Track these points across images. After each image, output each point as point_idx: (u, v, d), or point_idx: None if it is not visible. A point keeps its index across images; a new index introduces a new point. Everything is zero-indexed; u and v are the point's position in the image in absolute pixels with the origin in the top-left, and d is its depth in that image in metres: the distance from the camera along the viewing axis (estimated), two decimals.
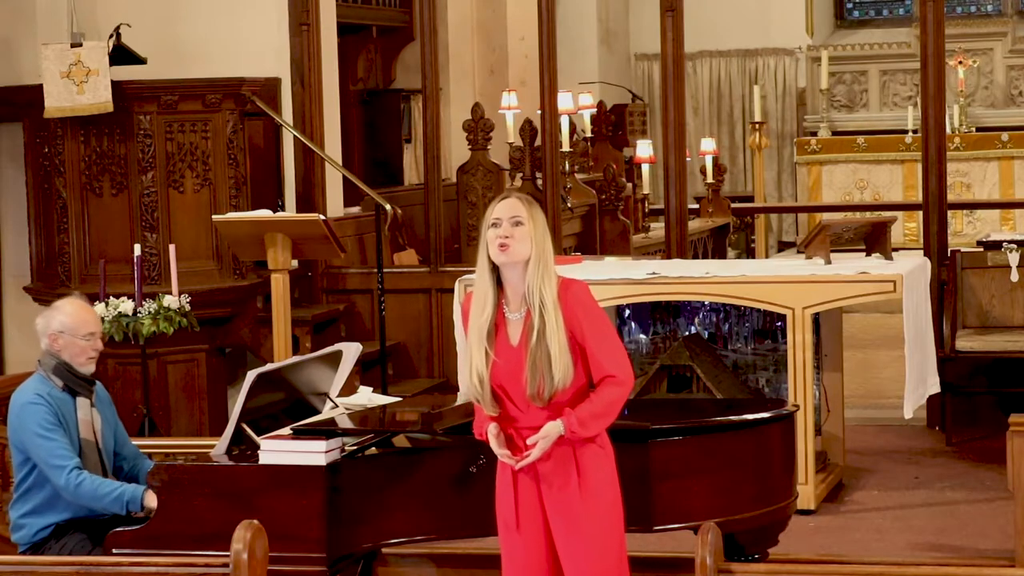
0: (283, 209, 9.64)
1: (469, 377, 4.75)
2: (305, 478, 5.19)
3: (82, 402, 5.68)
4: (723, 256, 12.81)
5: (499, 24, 14.14)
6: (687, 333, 8.17)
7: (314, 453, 5.20)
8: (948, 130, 10.80)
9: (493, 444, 4.75)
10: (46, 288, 8.92)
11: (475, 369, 4.73)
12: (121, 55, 8.81)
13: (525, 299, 4.71)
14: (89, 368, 5.71)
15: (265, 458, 5.28)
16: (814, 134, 16.11)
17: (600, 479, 4.75)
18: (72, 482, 5.50)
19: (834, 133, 16.13)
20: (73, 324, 5.67)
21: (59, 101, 8.43)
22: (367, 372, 9.15)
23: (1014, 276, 9.24)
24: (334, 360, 5.83)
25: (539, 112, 9.99)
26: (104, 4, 9.45)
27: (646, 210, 12.04)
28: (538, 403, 4.69)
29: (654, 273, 7.88)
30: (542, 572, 4.80)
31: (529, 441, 4.70)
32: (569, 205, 10.37)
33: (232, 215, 8.18)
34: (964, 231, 14.67)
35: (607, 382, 4.71)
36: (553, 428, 4.67)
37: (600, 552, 4.74)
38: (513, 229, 4.68)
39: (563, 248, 9.82)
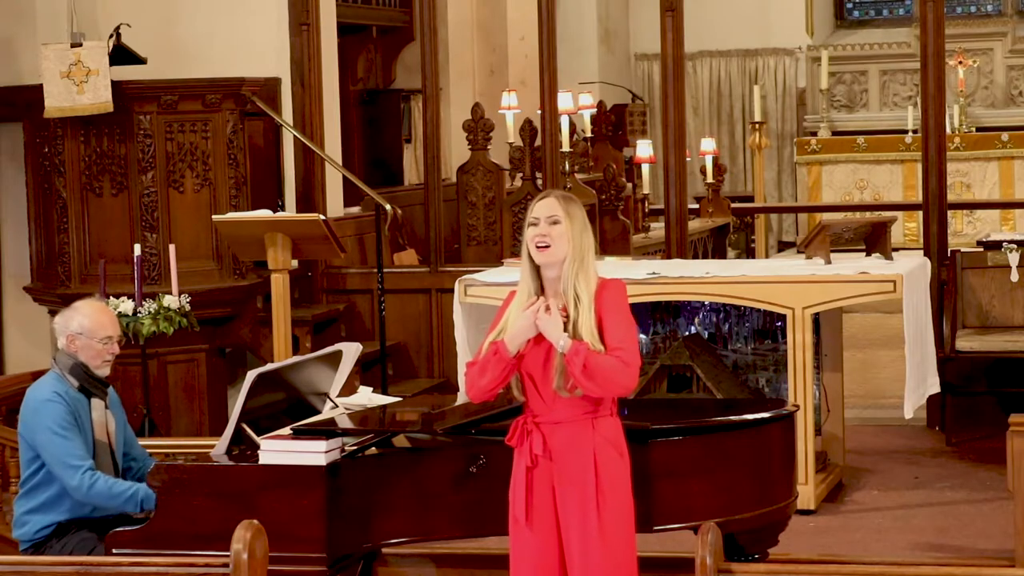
0: (283, 209, 9.64)
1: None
2: (305, 478, 5.19)
3: (97, 403, 5.69)
4: (723, 256, 12.81)
5: (499, 24, 14.15)
6: (687, 333, 8.17)
7: (314, 453, 5.20)
8: (948, 130, 10.80)
9: (528, 313, 4.72)
10: (46, 288, 8.92)
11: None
12: (121, 55, 8.81)
13: (563, 295, 4.77)
14: (105, 371, 5.72)
15: (265, 458, 5.28)
16: (814, 134, 16.12)
17: (616, 484, 4.77)
18: (86, 483, 5.50)
19: (834, 133, 16.14)
20: (91, 327, 5.67)
21: (59, 101, 8.42)
22: (367, 372, 9.15)
23: (1014, 276, 9.24)
24: (334, 360, 5.83)
25: (539, 112, 9.99)
26: (104, 4, 9.45)
27: (646, 210, 12.04)
28: (563, 395, 4.73)
29: (654, 273, 7.88)
30: (552, 570, 4.80)
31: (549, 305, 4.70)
32: None
33: (232, 215, 8.18)
34: (964, 231, 14.67)
35: (614, 354, 4.70)
36: (560, 334, 4.68)
37: (611, 557, 4.74)
38: (550, 228, 4.74)
39: None
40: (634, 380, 4.75)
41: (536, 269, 4.80)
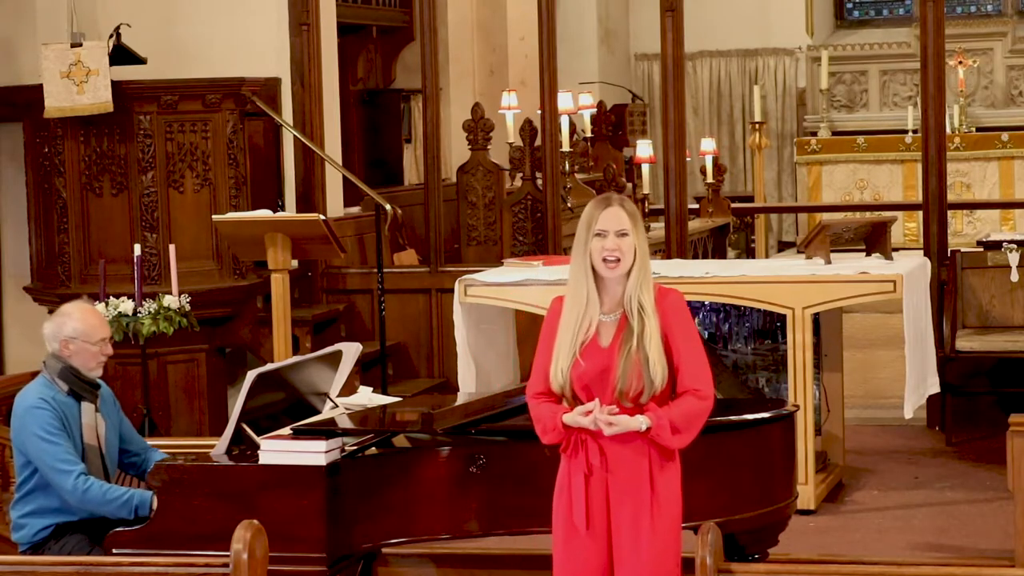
0: (283, 209, 9.65)
1: (553, 377, 4.68)
2: (305, 478, 5.19)
3: (87, 407, 5.66)
4: (723, 256, 12.80)
5: (499, 24, 14.15)
6: None
7: (314, 453, 5.20)
8: (948, 130, 10.80)
9: (576, 415, 4.63)
10: (46, 288, 8.92)
11: (560, 371, 4.66)
12: (121, 55, 8.81)
13: (621, 303, 4.68)
14: (97, 373, 5.70)
15: (265, 458, 5.28)
16: (814, 134, 16.11)
17: (671, 495, 4.72)
18: (79, 487, 5.48)
19: (834, 133, 16.13)
20: (86, 330, 5.64)
21: (59, 101, 8.42)
22: (367, 372, 9.15)
23: (1014, 276, 9.24)
24: (334, 360, 5.83)
25: (539, 112, 9.99)
26: (104, 4, 9.45)
27: (646, 210, 12.02)
28: (626, 403, 4.63)
29: (654, 273, 7.86)
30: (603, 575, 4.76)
31: (611, 409, 4.60)
32: (569, 205, 10.38)
33: (232, 215, 8.18)
34: (964, 231, 14.66)
35: (690, 395, 4.66)
36: (635, 421, 4.60)
37: (661, 564, 4.70)
38: (619, 241, 4.63)
39: (563, 248, 9.82)
40: (711, 408, 4.70)
41: (593, 275, 4.67)
